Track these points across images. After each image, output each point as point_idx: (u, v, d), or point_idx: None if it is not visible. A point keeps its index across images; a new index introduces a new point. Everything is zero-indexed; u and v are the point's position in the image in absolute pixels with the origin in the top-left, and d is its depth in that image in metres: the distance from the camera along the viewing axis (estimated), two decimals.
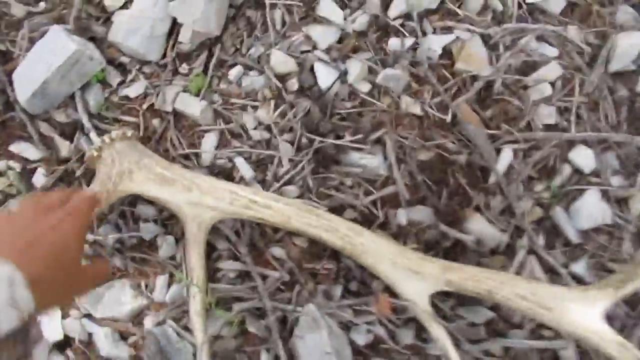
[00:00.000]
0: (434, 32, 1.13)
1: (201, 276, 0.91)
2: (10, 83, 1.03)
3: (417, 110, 1.09)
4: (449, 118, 1.09)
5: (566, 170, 1.08)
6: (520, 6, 1.16)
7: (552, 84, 1.12)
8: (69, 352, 0.92)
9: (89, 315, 0.94)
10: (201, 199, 0.89)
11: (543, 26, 1.14)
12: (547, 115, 1.10)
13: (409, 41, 1.11)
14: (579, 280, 1.03)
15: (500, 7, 1.16)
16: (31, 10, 1.09)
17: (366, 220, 1.03)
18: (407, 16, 1.12)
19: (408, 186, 1.05)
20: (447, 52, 1.12)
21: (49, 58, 1.00)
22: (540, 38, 1.14)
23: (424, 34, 1.12)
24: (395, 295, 0.93)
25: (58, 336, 0.92)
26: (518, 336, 0.99)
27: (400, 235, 1.03)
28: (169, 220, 0.99)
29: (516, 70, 1.13)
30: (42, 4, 1.09)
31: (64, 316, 0.94)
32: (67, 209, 0.59)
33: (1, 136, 1.03)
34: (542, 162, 1.09)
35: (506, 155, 1.09)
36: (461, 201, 1.07)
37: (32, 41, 1.05)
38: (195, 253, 0.90)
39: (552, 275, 1.04)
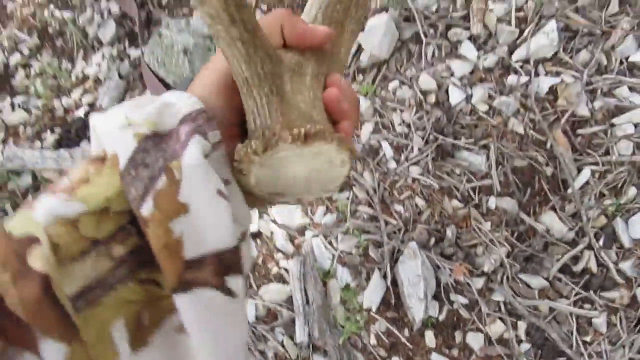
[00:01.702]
0: (546, 74, 1.51)
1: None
2: None
3: (520, 130, 1.48)
4: (544, 139, 1.46)
5: (632, 192, 1.39)
6: (621, 62, 1.49)
7: (635, 125, 1.43)
8: (258, 240, 1.48)
9: (273, 221, 1.49)
10: None
11: (637, 80, 1.46)
12: (625, 148, 1.42)
13: (524, 79, 1.50)
14: (625, 276, 1.34)
15: (604, 61, 1.50)
16: None
17: (464, 200, 1.45)
18: (526, 60, 1.52)
19: (501, 182, 1.44)
20: (552, 91, 1.50)
21: None
22: (632, 89, 1.46)
23: (537, 74, 1.51)
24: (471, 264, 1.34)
25: (254, 228, 1.49)
26: (563, 303, 1.34)
27: (487, 214, 1.43)
28: None
29: (607, 111, 1.46)
30: None
31: (260, 216, 1.51)
32: None
33: None
34: (613, 183, 1.41)
35: (585, 174, 1.43)
36: (541, 201, 1.44)
37: None
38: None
39: (603, 269, 1.36)
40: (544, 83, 1.49)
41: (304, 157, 0.37)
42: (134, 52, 1.78)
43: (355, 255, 1.43)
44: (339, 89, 0.41)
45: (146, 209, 0.33)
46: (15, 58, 1.90)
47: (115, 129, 0.35)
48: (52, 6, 2.00)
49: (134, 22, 1.84)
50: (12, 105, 1.82)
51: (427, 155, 1.49)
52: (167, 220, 0.33)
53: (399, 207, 1.46)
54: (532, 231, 1.41)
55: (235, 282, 0.35)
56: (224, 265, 0.34)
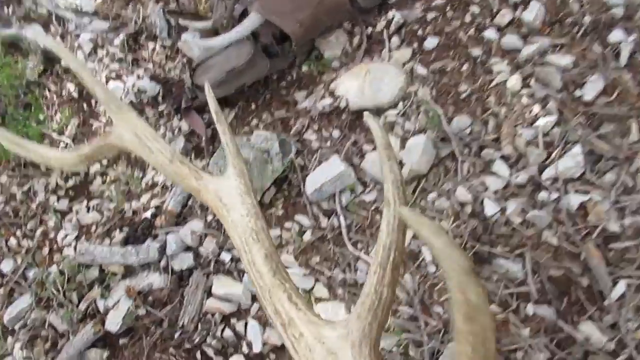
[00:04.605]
0: (575, 192, 1.63)
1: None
2: (304, 183, 1.82)
3: (554, 241, 1.57)
4: (577, 251, 1.54)
5: None
6: None
7: None
8: None
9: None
10: None
11: None
12: None
13: (554, 195, 1.63)
14: None
15: (630, 183, 1.62)
16: (322, 145, 1.91)
17: (502, 305, 1.50)
18: (555, 179, 1.66)
19: (538, 290, 1.51)
20: (582, 207, 1.61)
21: (328, 172, 1.77)
22: None
23: (566, 192, 1.63)
24: None
25: None
26: None
27: (526, 320, 1.47)
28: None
29: (638, 229, 1.55)
30: (328, 143, 1.91)
31: None
32: None
33: (291, 210, 1.80)
34: None
35: (621, 287, 1.48)
36: (579, 310, 1.48)
37: (319, 161, 1.85)
38: None
39: None
40: (574, 200, 1.61)
41: None
42: (199, 163, 2.01)
43: (396, 354, 1.47)
44: None
45: None
46: (94, 167, 2.16)
47: None
48: None
49: (200, 138, 2.10)
50: (88, 208, 2.04)
51: None
52: None
53: (438, 309, 1.52)
54: (572, 339, 1.43)
55: None
56: None
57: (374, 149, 1.85)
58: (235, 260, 1.71)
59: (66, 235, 1.95)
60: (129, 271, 1.76)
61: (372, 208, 1.75)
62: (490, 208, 1.65)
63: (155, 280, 1.70)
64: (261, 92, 2.18)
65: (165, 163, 1.09)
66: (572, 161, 1.65)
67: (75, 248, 1.90)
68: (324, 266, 1.66)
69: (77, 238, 1.94)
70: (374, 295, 0.74)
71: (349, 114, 1.96)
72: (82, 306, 1.71)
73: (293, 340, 0.77)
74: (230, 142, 1.11)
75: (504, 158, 1.74)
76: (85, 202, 2.07)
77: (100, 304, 1.70)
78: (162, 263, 1.74)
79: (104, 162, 2.19)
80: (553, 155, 1.69)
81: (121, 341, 1.62)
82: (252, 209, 0.95)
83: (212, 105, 1.18)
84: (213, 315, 1.58)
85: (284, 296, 0.81)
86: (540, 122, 1.76)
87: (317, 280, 1.64)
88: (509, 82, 1.86)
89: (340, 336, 0.74)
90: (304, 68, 2.17)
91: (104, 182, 2.13)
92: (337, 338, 0.74)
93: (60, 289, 1.77)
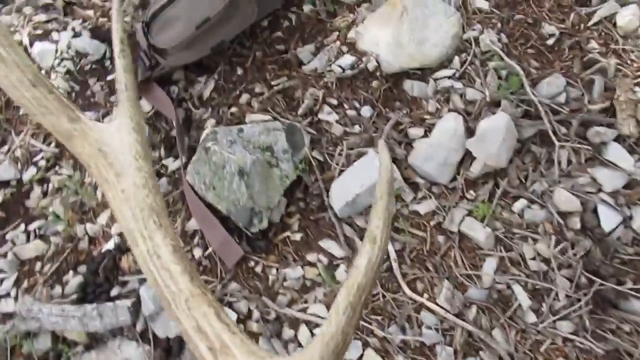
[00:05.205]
0: None
1: None
2: (327, 190, 1.27)
3: None
4: None
5: None
6: None
7: None
8: None
9: None
10: None
11: None
12: None
13: None
14: None
15: None
16: (347, 131, 1.33)
17: None
18: None
19: None
20: None
21: (363, 177, 1.22)
22: None
23: None
24: None
25: None
26: None
27: None
28: (448, 332, 1.12)
29: None
30: (356, 127, 1.33)
31: None
32: None
33: (314, 232, 1.26)
34: None
35: None
36: None
37: (347, 157, 1.28)
38: None
39: None
40: None
41: None
42: (172, 164, 1.43)
43: None
44: None
45: None
46: (29, 173, 1.57)
47: None
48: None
49: (170, 124, 1.49)
50: (27, 235, 1.48)
51: (580, 306, 1.08)
52: None
53: None
54: None
55: None
56: None
57: (426, 133, 1.28)
58: (244, 317, 1.20)
59: (2, 281, 1.41)
60: (94, 339, 1.25)
61: (431, 224, 1.21)
62: (608, 219, 1.13)
63: (132, 354, 1.19)
64: (248, 47, 1.55)
65: (24, 85, 0.82)
66: None
67: (16, 299, 1.37)
68: (373, 322, 1.15)
69: (17, 283, 1.40)
70: (340, 337, 0.65)
71: (382, 79, 1.35)
72: None
73: None
74: (129, 85, 0.94)
75: (621, 138, 1.19)
76: (22, 225, 1.51)
77: None
78: (139, 326, 1.22)
79: (42, 163, 1.60)
80: None
81: None
82: (151, 181, 0.78)
83: (115, 34, 1.03)
84: None
85: (209, 311, 0.67)
86: None
87: (365, 344, 1.14)
88: (619, 16, 1.26)
89: None
90: (306, 9, 1.52)
91: (44, 194, 1.55)
92: None
93: None
